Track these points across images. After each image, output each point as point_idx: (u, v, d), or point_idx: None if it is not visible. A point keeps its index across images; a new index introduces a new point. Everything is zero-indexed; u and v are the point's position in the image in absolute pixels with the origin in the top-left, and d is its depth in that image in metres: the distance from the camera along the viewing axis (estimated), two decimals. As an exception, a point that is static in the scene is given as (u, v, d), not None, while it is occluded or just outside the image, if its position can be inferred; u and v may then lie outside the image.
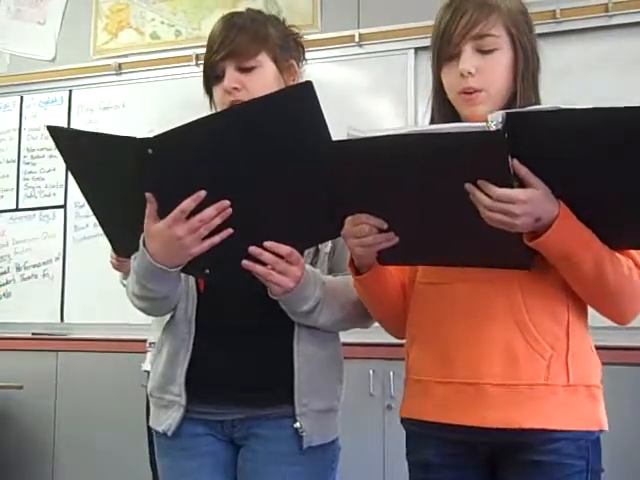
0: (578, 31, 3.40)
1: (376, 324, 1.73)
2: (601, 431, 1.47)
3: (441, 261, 1.48)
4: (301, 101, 1.41)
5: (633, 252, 1.43)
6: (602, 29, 3.38)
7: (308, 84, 1.41)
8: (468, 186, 1.30)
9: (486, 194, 1.29)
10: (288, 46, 1.80)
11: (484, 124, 1.25)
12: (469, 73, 1.47)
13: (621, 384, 2.89)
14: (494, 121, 1.23)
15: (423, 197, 1.35)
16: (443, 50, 1.50)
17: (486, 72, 1.48)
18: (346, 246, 1.53)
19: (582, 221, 1.35)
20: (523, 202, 1.29)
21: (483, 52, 1.48)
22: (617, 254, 1.40)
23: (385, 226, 1.41)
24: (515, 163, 1.28)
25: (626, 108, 1.19)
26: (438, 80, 1.55)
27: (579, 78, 3.19)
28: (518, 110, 1.29)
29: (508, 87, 1.50)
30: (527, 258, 1.39)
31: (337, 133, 1.42)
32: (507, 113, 1.24)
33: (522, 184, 1.30)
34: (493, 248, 1.39)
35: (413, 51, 3.62)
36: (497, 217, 1.30)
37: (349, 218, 1.45)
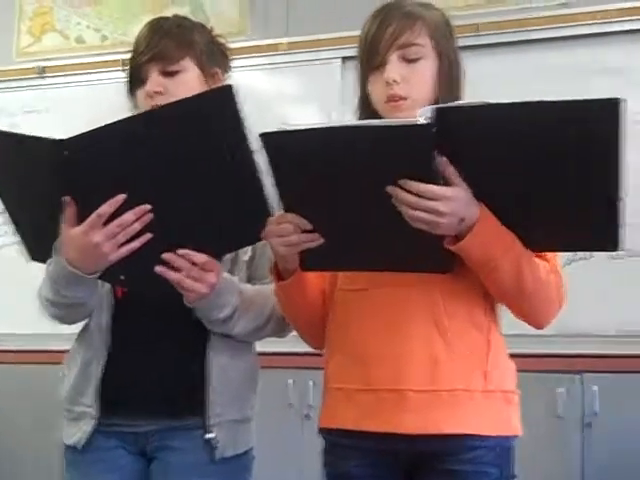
0: (499, 44, 3.48)
1: (294, 332, 1.72)
2: (515, 437, 1.49)
3: (364, 266, 1.47)
4: (221, 104, 1.40)
5: (550, 255, 1.46)
6: (522, 43, 3.47)
7: (228, 87, 1.40)
8: (391, 188, 1.29)
9: (410, 192, 1.29)
10: (214, 54, 1.80)
11: (413, 119, 1.25)
12: (394, 81, 1.49)
13: (532, 391, 2.97)
14: (423, 115, 1.24)
15: (348, 195, 1.34)
16: (370, 60, 1.52)
17: (411, 80, 1.50)
18: (266, 254, 1.52)
19: (502, 223, 1.36)
20: (448, 199, 1.29)
21: (408, 61, 1.51)
22: (535, 257, 1.42)
23: (309, 227, 1.41)
24: (443, 160, 1.28)
25: (556, 102, 1.21)
26: (365, 90, 1.57)
27: (499, 90, 3.23)
28: (448, 105, 1.29)
29: (432, 95, 1.52)
30: (448, 262, 1.40)
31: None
32: (437, 108, 1.25)
33: (446, 184, 1.30)
34: (415, 252, 1.39)
35: (340, 60, 3.64)
36: (421, 216, 1.29)
37: (272, 217, 1.45)
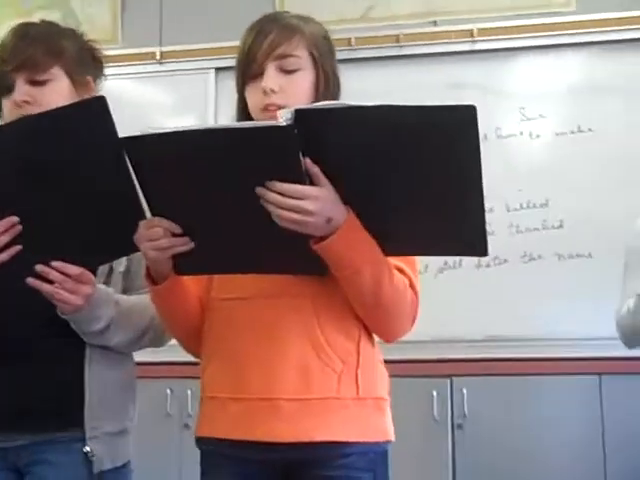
0: (372, 59, 3.59)
1: (172, 342, 1.71)
2: (388, 442, 1.52)
3: (238, 269, 1.46)
4: (92, 116, 1.38)
5: (410, 273, 1.49)
6: (394, 58, 3.60)
7: (101, 99, 1.38)
8: (258, 189, 1.29)
9: (277, 192, 1.29)
10: (85, 61, 1.75)
11: (275, 121, 1.26)
12: (272, 90, 1.50)
13: (409, 395, 3.06)
14: (284, 117, 1.24)
15: (217, 198, 1.33)
16: (247, 69, 1.53)
17: (288, 91, 1.51)
18: (142, 264, 1.51)
19: (366, 226, 1.37)
20: (315, 198, 1.30)
21: (286, 72, 1.52)
22: (395, 271, 1.45)
23: (179, 230, 1.39)
24: (307, 161, 1.29)
25: (417, 107, 1.22)
26: (242, 99, 1.57)
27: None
28: (307, 106, 1.30)
29: None
30: (322, 264, 1.39)
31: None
32: (296, 109, 1.25)
33: (312, 184, 1.31)
34: (287, 254, 1.39)
35: (214, 71, 3.65)
36: (289, 215, 1.29)
37: (142, 222, 1.43)
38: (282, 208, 1.29)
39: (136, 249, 1.46)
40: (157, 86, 3.74)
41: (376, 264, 1.40)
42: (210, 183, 1.32)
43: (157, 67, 3.75)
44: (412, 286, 1.49)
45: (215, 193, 1.33)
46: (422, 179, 1.30)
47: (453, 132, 1.24)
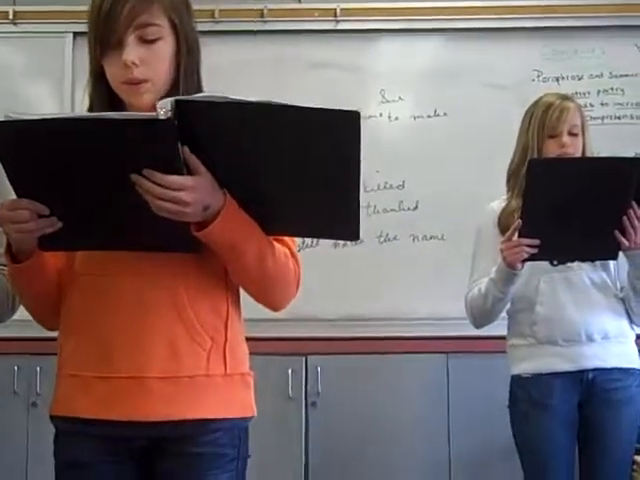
0: (236, 32, 3.56)
1: (19, 317, 1.65)
2: (251, 417, 1.54)
3: (109, 246, 1.44)
4: None
5: (288, 240, 1.52)
6: (257, 33, 3.59)
7: None
8: (135, 177, 1.28)
9: (155, 183, 1.29)
10: None
11: (154, 113, 1.24)
12: (133, 64, 1.45)
13: (265, 373, 3.09)
14: (163, 109, 1.24)
15: (89, 183, 1.31)
16: (105, 38, 1.46)
17: (150, 62, 1.47)
18: None
19: (246, 209, 1.39)
20: (192, 188, 1.30)
21: (147, 42, 1.47)
22: (275, 242, 1.47)
23: (47, 212, 1.35)
24: (185, 150, 1.29)
25: (301, 107, 1.25)
26: (99, 67, 1.51)
27: (234, 77, 3.29)
28: (187, 97, 1.29)
29: (171, 76, 1.50)
30: (195, 242, 1.39)
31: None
32: (176, 100, 1.25)
33: (190, 173, 1.31)
34: (162, 234, 1.38)
35: (72, 35, 3.54)
36: (167, 206, 1.30)
37: (5, 202, 1.37)
38: (160, 199, 1.29)
39: None
40: (10, 48, 3.58)
41: (257, 242, 1.42)
42: (83, 169, 1.30)
43: (10, 27, 3.59)
44: (293, 254, 1.52)
45: (88, 177, 1.31)
46: (302, 172, 1.33)
47: (335, 133, 1.28)
